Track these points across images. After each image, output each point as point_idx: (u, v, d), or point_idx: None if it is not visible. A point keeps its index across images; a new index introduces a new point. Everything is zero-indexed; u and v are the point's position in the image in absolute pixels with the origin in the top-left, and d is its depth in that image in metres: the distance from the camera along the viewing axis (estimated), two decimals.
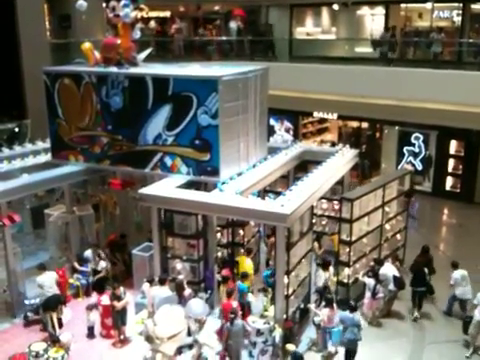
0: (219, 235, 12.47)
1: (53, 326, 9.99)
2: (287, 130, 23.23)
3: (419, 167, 19.60)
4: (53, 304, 10.16)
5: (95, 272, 12.24)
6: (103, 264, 12.21)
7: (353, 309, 10.04)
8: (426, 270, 11.81)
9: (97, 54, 12.55)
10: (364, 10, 23.55)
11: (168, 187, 11.10)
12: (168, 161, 11.65)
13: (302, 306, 10.99)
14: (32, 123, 16.44)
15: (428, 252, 12.40)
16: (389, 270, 11.68)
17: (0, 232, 11.50)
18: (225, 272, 11.58)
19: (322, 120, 23.83)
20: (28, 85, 16.50)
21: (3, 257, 11.47)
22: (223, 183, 11.08)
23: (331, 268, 11.45)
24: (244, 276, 11.29)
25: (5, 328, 11.24)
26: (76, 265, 12.52)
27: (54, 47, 18.48)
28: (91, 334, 10.91)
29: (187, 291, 10.61)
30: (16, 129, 16.47)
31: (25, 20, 16.39)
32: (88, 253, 12.55)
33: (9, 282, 11.49)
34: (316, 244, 12.63)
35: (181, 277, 11.13)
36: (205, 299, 10.71)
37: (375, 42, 20.65)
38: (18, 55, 16.59)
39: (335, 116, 21.82)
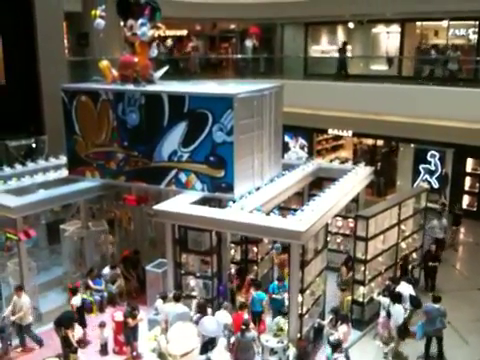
0: (233, 252, 12.43)
1: (68, 344, 10.01)
2: (302, 147, 23.25)
3: (435, 185, 19.41)
4: (65, 321, 10.16)
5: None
6: (76, 301, 11.17)
7: (438, 299, 10.64)
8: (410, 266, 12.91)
9: (114, 72, 12.71)
10: (379, 28, 23.61)
11: (182, 203, 11.13)
12: (183, 177, 11.70)
13: (316, 325, 10.87)
14: (49, 139, 16.64)
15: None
16: (405, 289, 11.50)
17: (15, 247, 11.62)
18: (236, 282, 11.69)
19: (337, 137, 23.79)
20: (46, 102, 16.72)
21: (18, 272, 11.55)
22: (242, 197, 11.12)
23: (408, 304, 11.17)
24: (258, 285, 11.30)
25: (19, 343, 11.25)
26: (89, 282, 12.51)
27: (72, 64, 18.74)
28: (104, 351, 10.87)
29: (209, 311, 10.54)
30: (33, 145, 16.66)
31: (44, 38, 16.66)
32: (106, 270, 12.59)
33: None
34: (344, 268, 12.14)
35: (194, 293, 11.11)
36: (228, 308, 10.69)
37: (424, 61, 20.52)
38: (37, 72, 16.85)
39: (350, 133, 21.78)
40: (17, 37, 16.60)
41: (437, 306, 10.61)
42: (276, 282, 11.40)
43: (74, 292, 11.27)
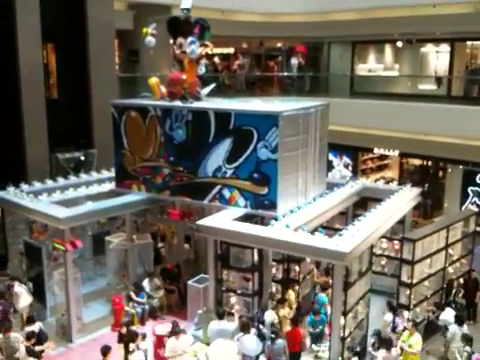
0: (274, 270, 12.34)
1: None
2: (346, 166, 22.98)
3: None
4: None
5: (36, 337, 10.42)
6: (34, 327, 10.51)
7: None
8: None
9: (163, 88, 12.97)
10: (428, 47, 23.24)
11: (225, 219, 11.16)
12: (226, 193, 11.75)
13: (358, 349, 10.61)
14: (98, 153, 17.07)
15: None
16: (450, 316, 11.11)
17: (62, 257, 11.92)
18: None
19: (382, 156, 23.41)
20: (96, 116, 17.19)
21: (63, 281, 11.84)
22: (290, 213, 11.15)
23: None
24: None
25: (61, 352, 11.47)
26: (132, 294, 12.69)
27: (122, 80, 19.25)
28: None
29: (253, 330, 10.45)
30: (82, 158, 17.12)
31: (96, 55, 17.19)
32: (145, 283, 12.74)
33: (68, 306, 11.79)
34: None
35: (234, 311, 11.07)
36: None
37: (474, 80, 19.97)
38: (88, 88, 17.38)
39: (396, 153, 21.41)
40: (70, 54, 17.20)
41: None
42: (313, 316, 10.91)
43: (30, 320, 10.67)
